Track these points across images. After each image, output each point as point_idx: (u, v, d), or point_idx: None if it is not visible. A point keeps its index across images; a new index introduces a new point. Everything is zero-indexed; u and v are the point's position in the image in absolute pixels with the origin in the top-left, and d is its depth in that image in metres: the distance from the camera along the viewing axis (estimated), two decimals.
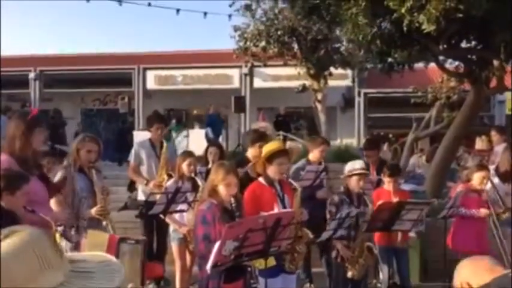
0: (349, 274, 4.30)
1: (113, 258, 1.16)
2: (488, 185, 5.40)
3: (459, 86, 10.96)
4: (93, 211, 3.97)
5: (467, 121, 7.66)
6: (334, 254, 4.42)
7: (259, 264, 3.51)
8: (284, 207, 3.98)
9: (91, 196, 4.05)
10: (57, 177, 4.02)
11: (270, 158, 4.07)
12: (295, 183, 4.20)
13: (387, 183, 5.07)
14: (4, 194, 3.25)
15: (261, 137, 4.98)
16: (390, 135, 19.65)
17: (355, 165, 4.51)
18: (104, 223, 3.96)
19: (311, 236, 4.11)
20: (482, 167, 5.14)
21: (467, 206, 4.93)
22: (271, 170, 4.06)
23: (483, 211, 4.85)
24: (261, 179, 4.14)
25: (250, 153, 5.01)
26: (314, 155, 5.71)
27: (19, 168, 3.49)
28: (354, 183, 4.43)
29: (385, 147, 17.73)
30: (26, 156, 3.57)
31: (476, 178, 5.00)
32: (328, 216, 4.35)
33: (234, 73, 17.46)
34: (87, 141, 4.19)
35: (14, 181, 3.28)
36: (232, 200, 3.62)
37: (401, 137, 15.32)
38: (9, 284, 0.96)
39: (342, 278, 4.36)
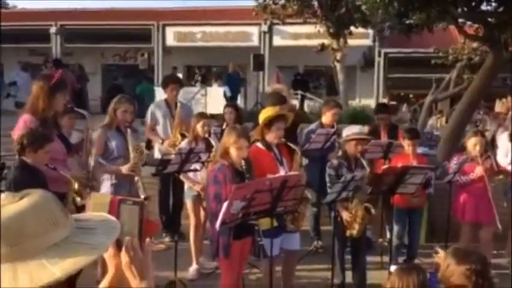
0: (348, 233, 4.50)
1: (111, 217, 1.35)
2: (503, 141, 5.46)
3: (481, 47, 10.74)
4: (126, 167, 4.27)
5: (484, 85, 7.59)
6: (333, 214, 4.60)
7: (262, 224, 3.71)
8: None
9: (125, 154, 4.34)
10: (74, 139, 4.26)
11: (269, 123, 4.18)
12: (294, 146, 4.33)
13: (407, 147, 5.15)
14: (27, 151, 3.50)
15: (281, 100, 5.11)
16: (411, 96, 19.50)
17: (352, 130, 4.60)
18: (136, 179, 4.26)
19: (310, 197, 4.29)
20: (474, 133, 5.18)
21: (465, 173, 5.01)
22: (270, 135, 4.18)
23: (478, 170, 4.88)
24: (258, 144, 4.24)
25: None
26: (327, 117, 5.80)
27: (40, 127, 3.71)
28: (351, 148, 4.53)
29: (404, 107, 17.68)
30: (47, 117, 3.79)
31: (469, 145, 5.03)
32: (327, 179, 4.50)
33: (254, 31, 17.32)
34: (123, 102, 4.47)
35: (37, 140, 3.51)
36: (243, 162, 3.81)
37: (421, 97, 15.20)
38: (23, 238, 1.15)
39: (342, 236, 4.56)
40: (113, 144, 4.37)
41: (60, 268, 1.15)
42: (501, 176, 5.00)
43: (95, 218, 1.34)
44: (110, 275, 1.48)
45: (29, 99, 3.86)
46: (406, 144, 5.14)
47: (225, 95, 14.00)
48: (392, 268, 2.57)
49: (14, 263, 1.15)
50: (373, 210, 4.44)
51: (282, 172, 3.95)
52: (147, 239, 1.42)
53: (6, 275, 1.13)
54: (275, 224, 3.78)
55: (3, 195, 1.21)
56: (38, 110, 3.76)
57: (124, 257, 1.39)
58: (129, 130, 4.36)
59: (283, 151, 4.29)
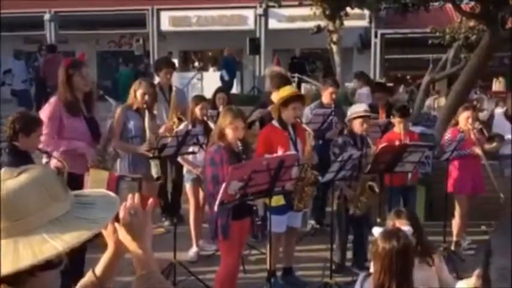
0: (351, 210, 4.52)
1: (110, 193, 1.35)
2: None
3: (478, 26, 10.67)
4: (142, 148, 4.45)
5: (481, 64, 7.56)
6: (337, 193, 4.62)
7: (268, 201, 3.74)
8: (296, 150, 4.16)
9: (142, 134, 4.53)
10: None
11: (285, 102, 4.22)
12: (308, 128, 4.37)
13: (397, 124, 5.17)
14: (20, 136, 3.50)
15: (285, 81, 5.16)
16: (408, 77, 19.44)
17: (358, 108, 4.61)
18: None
19: (320, 178, 4.31)
20: (466, 108, 5.25)
21: (463, 147, 5.06)
22: (286, 114, 4.24)
23: (476, 149, 5.00)
24: (274, 122, 4.33)
25: (274, 96, 5.18)
26: (325, 97, 5.85)
27: (66, 110, 3.96)
28: (357, 126, 4.56)
29: (401, 88, 17.64)
30: (71, 100, 4.01)
31: (461, 119, 5.11)
32: (332, 157, 4.53)
33: (249, 14, 17.18)
34: (142, 85, 4.64)
35: (29, 124, 3.52)
36: (239, 143, 3.80)
37: (418, 78, 15.15)
38: (25, 212, 1.15)
39: (345, 216, 4.59)
40: (131, 123, 4.55)
41: (61, 242, 1.14)
42: (494, 143, 5.07)
43: (95, 194, 1.34)
44: (110, 251, 1.48)
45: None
46: (397, 121, 5.16)
47: (222, 79, 13.92)
48: (375, 231, 2.61)
49: (15, 237, 1.14)
50: (376, 189, 4.46)
51: (280, 152, 3.94)
52: (150, 199, 1.42)
53: (8, 249, 1.13)
54: (282, 201, 3.83)
55: (2, 170, 1.21)
56: (61, 93, 4.04)
57: (122, 212, 1.38)
58: (147, 113, 4.53)
59: (299, 132, 4.33)
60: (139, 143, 4.52)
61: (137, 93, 4.58)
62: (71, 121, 4.03)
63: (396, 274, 2.41)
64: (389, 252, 2.42)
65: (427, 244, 3.04)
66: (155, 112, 5.91)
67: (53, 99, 4.10)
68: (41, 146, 3.85)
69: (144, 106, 4.56)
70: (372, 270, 2.60)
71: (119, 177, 1.43)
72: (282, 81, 5.16)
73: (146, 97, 4.56)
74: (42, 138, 3.84)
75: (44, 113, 4.02)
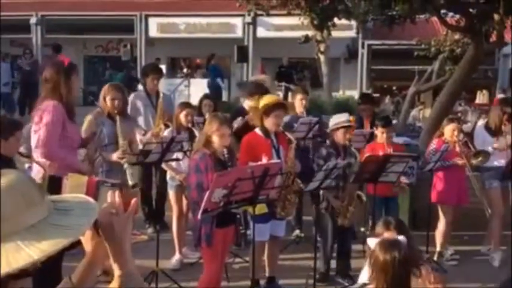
0: (340, 222, 4.51)
1: (89, 198, 1.32)
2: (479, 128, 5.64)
3: (463, 39, 10.83)
4: (115, 155, 4.30)
5: (466, 76, 7.65)
6: (324, 204, 4.61)
7: (252, 210, 3.73)
8: (279, 158, 4.16)
9: (115, 141, 4.39)
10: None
11: (268, 110, 4.22)
12: (290, 136, 4.37)
13: (380, 135, 5.19)
14: None
15: (259, 89, 5.13)
16: (394, 88, 19.63)
17: (340, 118, 4.62)
18: (125, 166, 4.27)
19: (302, 186, 4.31)
20: (451, 120, 5.31)
21: (447, 158, 5.11)
22: (268, 122, 4.23)
23: (457, 161, 5.05)
24: (257, 130, 4.32)
25: (248, 104, 5.17)
26: (296, 105, 5.86)
27: (66, 114, 3.68)
28: (340, 136, 4.56)
29: (387, 99, 17.81)
30: (70, 102, 3.79)
31: (447, 131, 5.16)
32: (316, 168, 4.53)
33: (237, 22, 17.22)
34: (111, 90, 4.53)
35: (8, 128, 3.46)
36: (225, 150, 3.79)
37: (404, 89, 15.31)
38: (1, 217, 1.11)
39: (332, 227, 4.57)
40: (104, 131, 4.42)
41: (37, 250, 1.11)
42: (480, 158, 5.12)
43: (73, 199, 1.30)
44: (88, 257, 1.45)
45: (46, 87, 3.77)
46: (380, 132, 5.18)
47: (213, 86, 13.93)
48: (370, 241, 2.56)
49: None
50: (364, 198, 4.46)
51: (264, 160, 3.93)
52: (132, 200, 1.37)
53: None
54: (265, 210, 3.82)
55: None
56: (60, 96, 3.70)
57: (102, 215, 1.34)
58: (118, 118, 4.40)
59: (282, 140, 4.33)
60: (112, 150, 4.39)
61: (106, 98, 4.49)
62: (71, 127, 3.84)
63: (398, 284, 2.38)
64: (391, 263, 2.38)
65: (416, 253, 2.99)
66: (139, 120, 5.90)
67: (55, 103, 3.67)
68: (37, 156, 3.61)
69: (115, 111, 4.45)
70: (367, 280, 2.57)
71: (98, 182, 1.40)
72: (256, 89, 5.15)
73: (116, 102, 4.46)
74: (40, 150, 3.56)
75: (47, 118, 3.62)
